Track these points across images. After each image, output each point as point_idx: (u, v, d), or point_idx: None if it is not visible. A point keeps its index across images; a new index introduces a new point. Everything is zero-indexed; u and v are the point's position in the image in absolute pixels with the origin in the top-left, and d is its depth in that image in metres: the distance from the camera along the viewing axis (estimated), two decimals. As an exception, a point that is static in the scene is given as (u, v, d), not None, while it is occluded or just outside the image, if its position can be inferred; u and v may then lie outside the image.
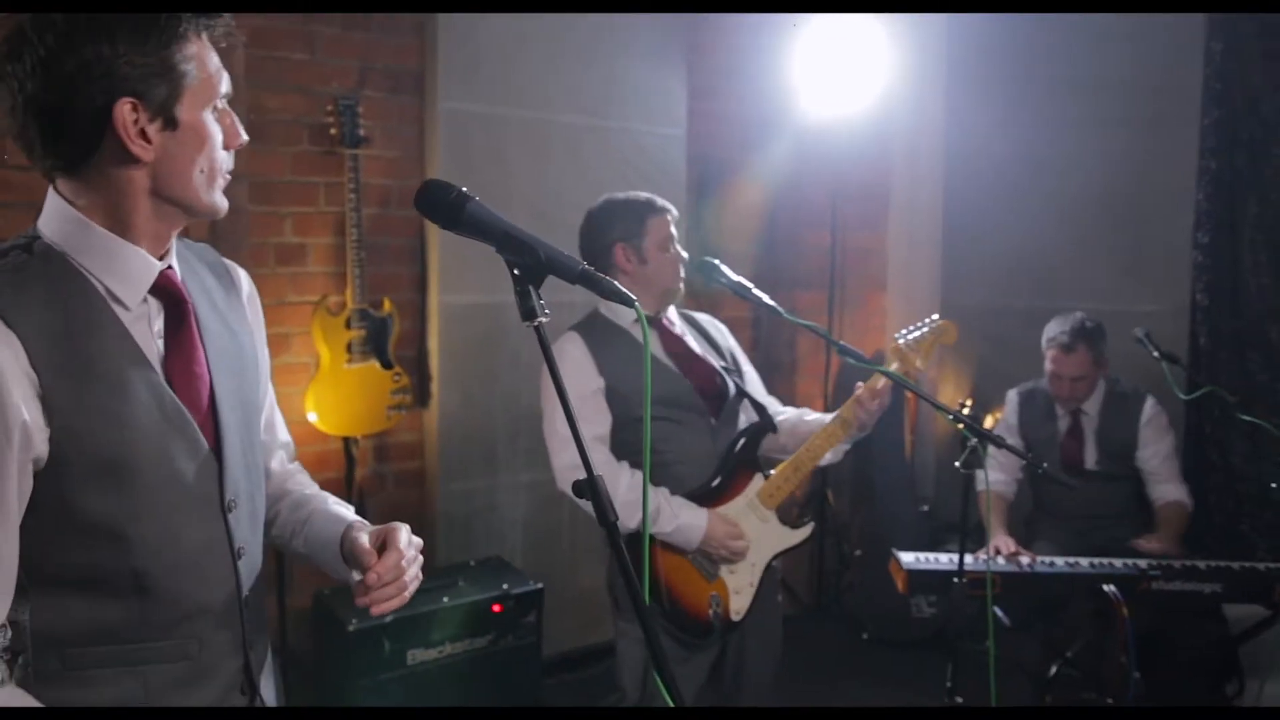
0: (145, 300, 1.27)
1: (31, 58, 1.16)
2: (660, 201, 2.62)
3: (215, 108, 1.27)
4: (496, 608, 3.15)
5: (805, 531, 2.60)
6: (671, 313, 2.67)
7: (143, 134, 1.21)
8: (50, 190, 1.26)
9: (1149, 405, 3.45)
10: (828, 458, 2.55)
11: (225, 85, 1.28)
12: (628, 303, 1.16)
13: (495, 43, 3.56)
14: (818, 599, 4.65)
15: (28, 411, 1.14)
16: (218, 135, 1.27)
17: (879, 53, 4.17)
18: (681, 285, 2.61)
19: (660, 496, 2.46)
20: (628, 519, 2.39)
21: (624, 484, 2.44)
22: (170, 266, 1.30)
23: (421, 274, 3.55)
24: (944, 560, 3.08)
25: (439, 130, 3.45)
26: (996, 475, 3.53)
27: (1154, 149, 3.94)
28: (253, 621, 1.38)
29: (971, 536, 3.40)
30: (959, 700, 2.79)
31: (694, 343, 2.66)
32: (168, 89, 1.21)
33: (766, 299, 2.39)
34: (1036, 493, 3.63)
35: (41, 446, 1.16)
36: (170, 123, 1.22)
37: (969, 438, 2.34)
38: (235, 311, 1.44)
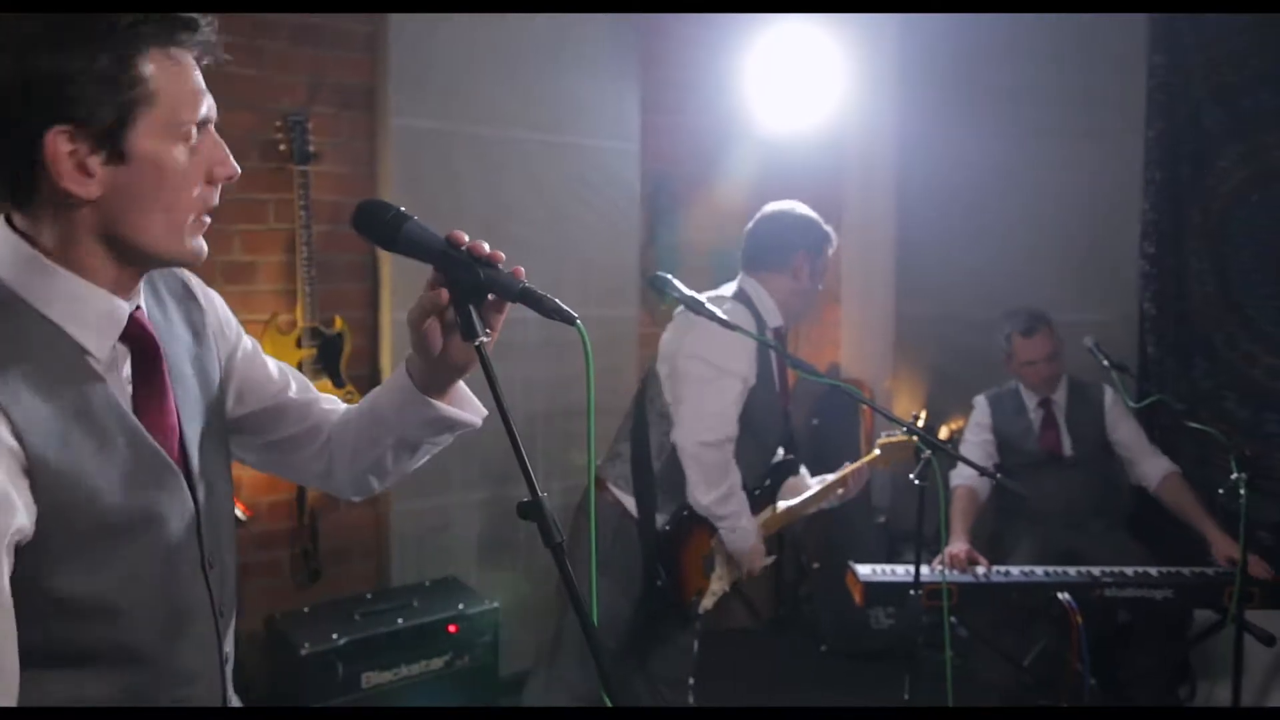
0: (114, 347, 1.14)
1: None
2: (835, 237, 2.82)
3: (187, 136, 1.09)
4: (452, 628, 3.12)
5: (770, 561, 2.83)
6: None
7: (82, 167, 1.04)
8: (0, 220, 1.10)
9: (1109, 393, 3.53)
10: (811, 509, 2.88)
11: (204, 109, 1.10)
12: (569, 320, 1.14)
13: (446, 58, 3.54)
14: (776, 611, 4.65)
15: (15, 492, 1.00)
16: (188, 169, 1.09)
17: (832, 65, 4.22)
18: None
19: (744, 499, 2.65)
20: (723, 505, 2.59)
21: (734, 476, 2.61)
22: (138, 307, 1.16)
23: (373, 291, 3.51)
24: (900, 572, 3.09)
25: (390, 146, 3.42)
26: (969, 470, 3.55)
27: (1102, 160, 4.01)
28: (233, 678, 1.32)
29: (928, 547, 3.42)
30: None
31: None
32: (115, 114, 1.03)
33: (719, 313, 2.39)
34: (1003, 498, 3.65)
35: (28, 526, 1.02)
36: (117, 155, 1.05)
37: (923, 449, 2.35)
38: (201, 335, 1.31)
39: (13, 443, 1.01)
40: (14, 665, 1.03)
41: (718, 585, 2.75)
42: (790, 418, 2.89)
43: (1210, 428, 2.99)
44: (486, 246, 1.19)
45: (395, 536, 3.57)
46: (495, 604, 3.22)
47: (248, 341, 1.43)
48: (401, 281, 3.43)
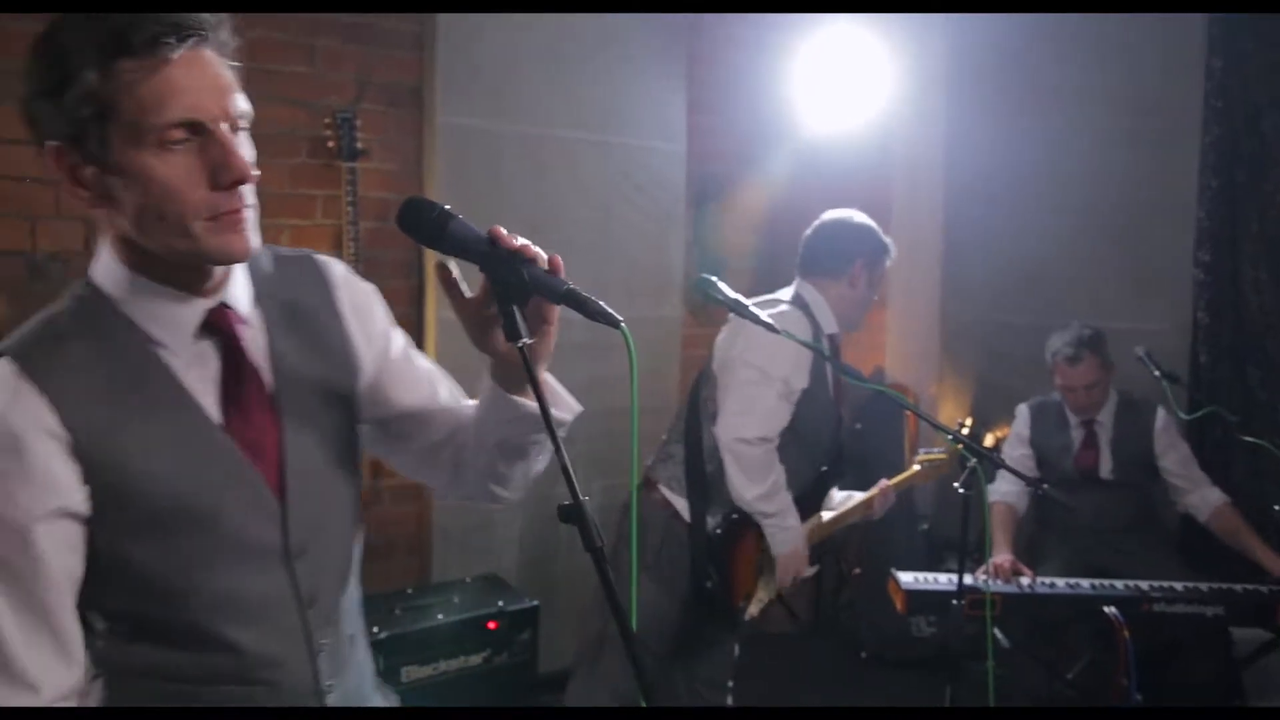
0: (198, 340, 1.18)
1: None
2: (894, 249, 2.82)
3: (165, 141, 1.06)
4: (491, 625, 3.13)
5: (813, 570, 2.83)
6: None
7: (78, 179, 1.09)
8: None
9: (1160, 414, 3.43)
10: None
11: (178, 111, 1.06)
12: (613, 323, 1.13)
13: (494, 57, 3.55)
14: (816, 617, 4.62)
15: (58, 472, 1.08)
16: (170, 175, 1.07)
17: (880, 66, 4.18)
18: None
19: (789, 499, 2.64)
20: (767, 503, 2.58)
21: (777, 473, 2.60)
22: (224, 305, 1.20)
23: (419, 288, 3.54)
24: (943, 580, 3.05)
25: (437, 144, 3.44)
26: (1008, 486, 3.50)
27: (1155, 165, 3.93)
28: (330, 665, 1.30)
29: (971, 556, 3.38)
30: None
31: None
32: (88, 128, 1.06)
33: (763, 316, 2.37)
34: (1040, 509, 3.60)
35: (80, 505, 1.10)
36: (107, 166, 1.07)
37: (968, 457, 2.32)
38: (327, 321, 1.32)
39: (59, 429, 1.08)
40: (72, 627, 1.12)
41: (764, 592, 2.75)
42: (842, 426, 2.87)
43: (1264, 440, 2.93)
44: (517, 241, 1.17)
45: (438, 533, 3.59)
46: (535, 602, 3.23)
47: (398, 343, 1.42)
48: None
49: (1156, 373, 3.20)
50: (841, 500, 2.90)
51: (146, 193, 1.07)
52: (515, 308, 1.16)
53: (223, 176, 1.09)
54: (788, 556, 2.67)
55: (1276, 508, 2.86)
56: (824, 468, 2.81)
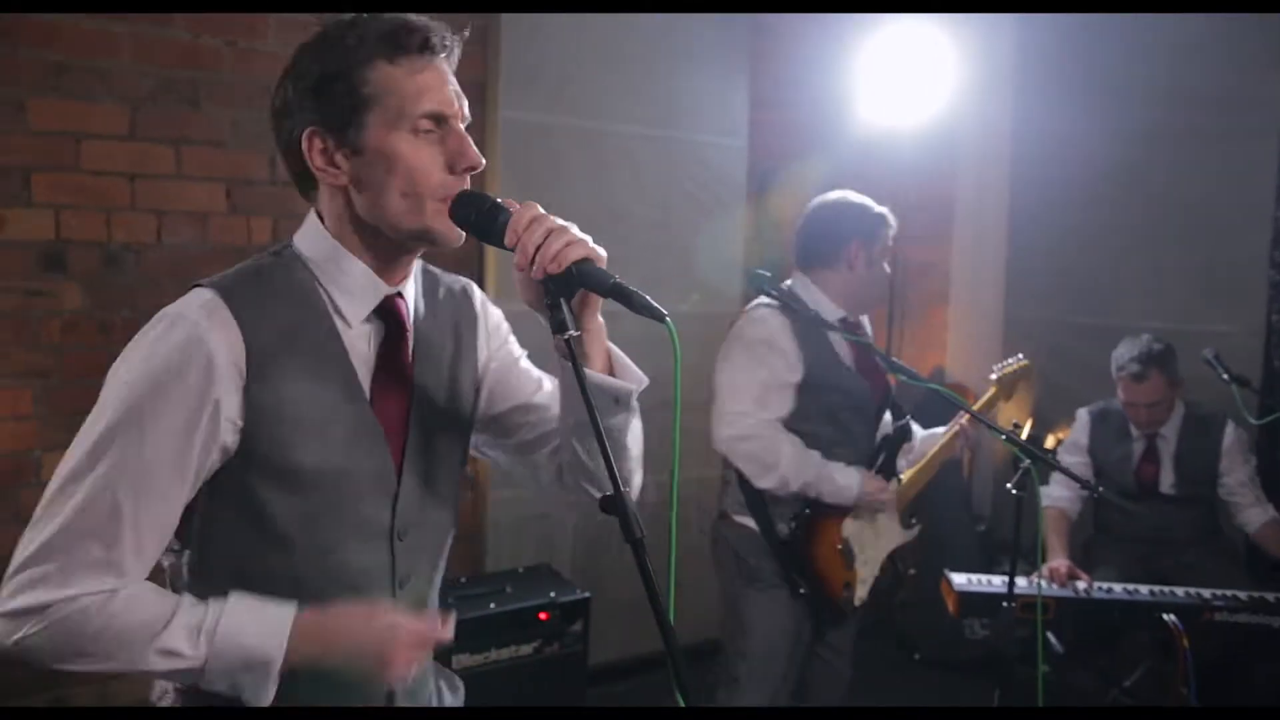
0: (368, 320, 1.30)
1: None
2: (892, 218, 2.71)
3: (417, 129, 1.22)
4: (543, 615, 3.16)
5: (915, 531, 2.82)
6: (865, 321, 2.81)
7: (332, 161, 1.24)
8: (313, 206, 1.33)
9: (1230, 429, 3.35)
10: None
11: (431, 103, 1.23)
12: (659, 317, 1.14)
13: (555, 51, 3.58)
14: (871, 617, 4.58)
15: (227, 400, 1.18)
16: (417, 157, 1.23)
17: (945, 61, 4.12)
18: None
19: (815, 461, 2.57)
20: (793, 480, 2.54)
21: (786, 453, 2.53)
22: (399, 294, 1.33)
23: (479, 280, 3.58)
24: (996, 582, 3.02)
25: (498, 138, 3.48)
26: (1060, 491, 3.44)
27: (1229, 162, 3.82)
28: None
29: (1025, 558, 3.33)
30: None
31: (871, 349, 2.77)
32: (349, 115, 1.22)
33: (814, 310, 2.37)
34: (1099, 515, 3.53)
35: (231, 437, 1.20)
36: (355, 148, 1.23)
37: (1022, 458, 2.29)
38: (465, 337, 1.44)
39: (243, 365, 1.20)
40: (155, 543, 1.20)
41: (865, 572, 2.71)
42: (887, 398, 2.78)
43: (1338, 448, 2.84)
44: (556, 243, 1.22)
45: (491, 522, 3.64)
46: (587, 594, 3.25)
47: (514, 350, 1.53)
48: (505, 271, 3.49)
49: (1225, 376, 3.13)
50: (922, 443, 2.86)
51: (392, 171, 1.22)
52: (563, 300, 1.18)
53: (459, 162, 1.25)
54: (861, 499, 2.61)
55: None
56: (883, 437, 2.75)
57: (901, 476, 2.76)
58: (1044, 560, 3.12)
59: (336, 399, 1.26)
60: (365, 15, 1.25)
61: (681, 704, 1.08)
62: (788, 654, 2.67)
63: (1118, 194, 4.10)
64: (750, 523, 2.67)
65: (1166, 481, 3.38)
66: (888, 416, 2.79)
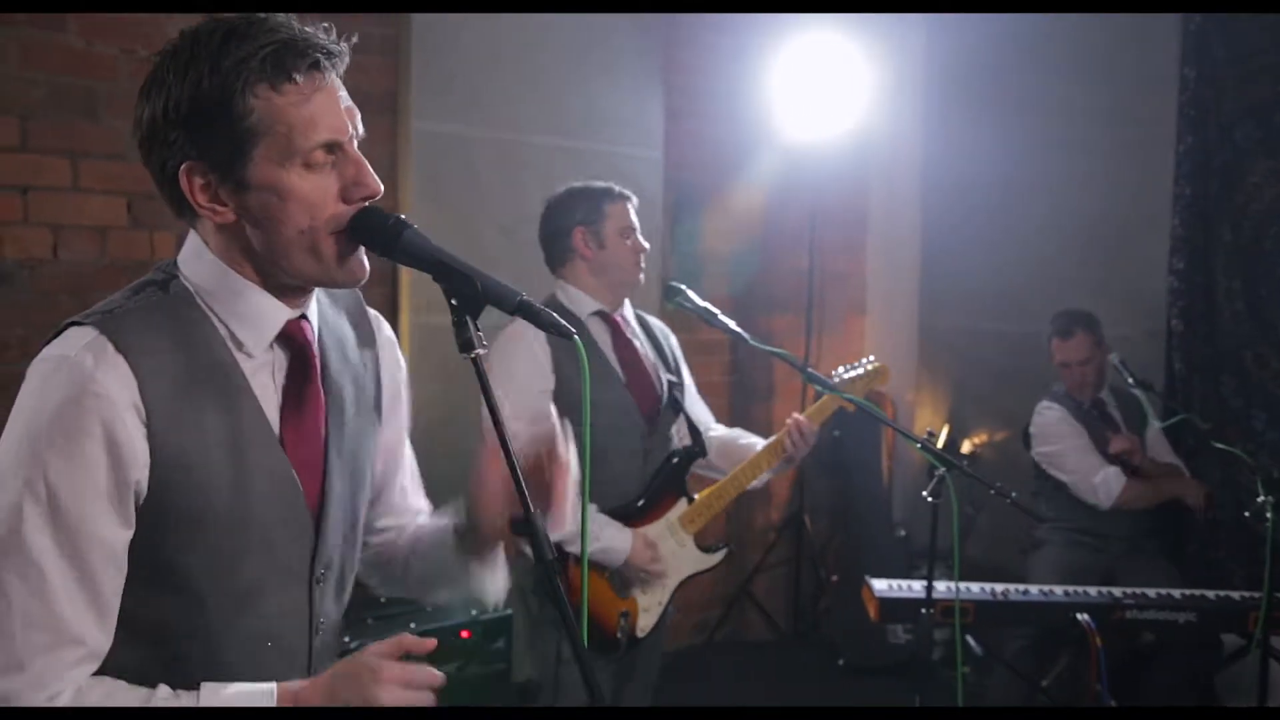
0: (271, 348, 1.20)
1: (134, 115, 1.15)
2: (620, 189, 2.58)
3: (310, 163, 1.12)
4: (465, 634, 3.11)
5: (718, 557, 2.64)
6: (627, 310, 2.65)
7: (216, 198, 1.13)
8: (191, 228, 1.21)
9: (1141, 396, 3.45)
10: (752, 484, 2.62)
11: (324, 133, 1.12)
12: (566, 335, 1.13)
13: (469, 63, 3.54)
14: (794, 624, 4.62)
15: (138, 448, 1.09)
16: (311, 193, 1.12)
17: (857, 74, 4.19)
18: (641, 278, 2.57)
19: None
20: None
21: None
22: (304, 317, 1.23)
23: (393, 295, 3.51)
24: (916, 587, 3.05)
25: (411, 151, 3.42)
26: (1100, 475, 3.46)
27: (1130, 174, 3.95)
28: None
29: (944, 562, 3.38)
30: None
31: (643, 348, 2.63)
32: (231, 150, 1.10)
33: (733, 325, 2.37)
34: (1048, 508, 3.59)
35: (142, 479, 1.10)
36: (240, 184, 1.11)
37: (937, 466, 2.31)
38: (368, 365, 1.36)
39: (141, 407, 1.09)
40: (114, 600, 1.12)
41: (648, 600, 2.54)
42: (662, 402, 2.58)
43: (1237, 448, 2.94)
44: None
45: (410, 541, 3.56)
46: (509, 610, 3.20)
47: (404, 420, 1.47)
48: (420, 287, 3.43)
49: (1131, 380, 3.23)
50: (734, 452, 2.65)
51: (284, 208, 1.12)
52: (469, 318, 1.16)
53: (355, 192, 1.15)
54: (625, 568, 2.45)
55: (1247, 514, 2.87)
56: (674, 460, 2.58)
57: (696, 496, 2.60)
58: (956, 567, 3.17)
59: (243, 441, 1.16)
60: (240, 22, 1.11)
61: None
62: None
63: (1025, 204, 4.20)
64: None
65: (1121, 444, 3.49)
66: (679, 430, 2.66)
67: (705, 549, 2.62)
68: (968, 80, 4.42)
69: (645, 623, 2.53)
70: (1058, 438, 3.54)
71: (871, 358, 2.72)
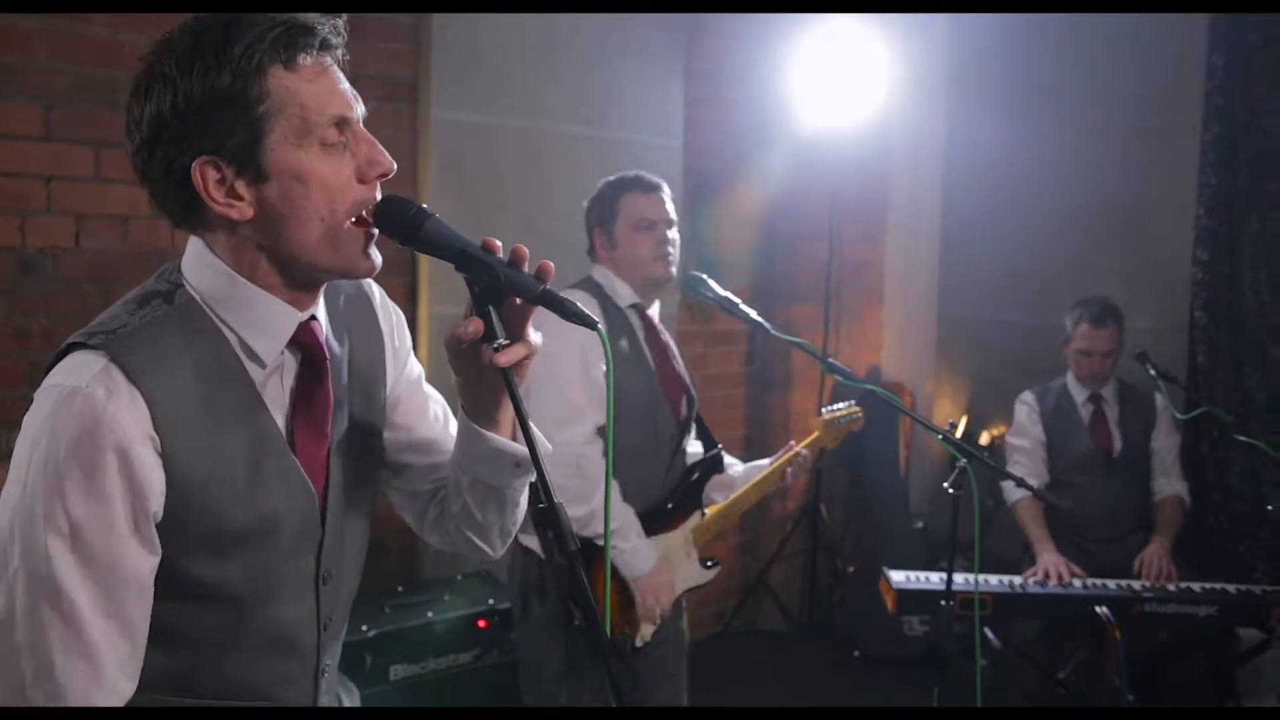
0: (282, 353, 1.18)
1: (129, 120, 1.11)
2: (646, 179, 2.57)
3: (325, 141, 1.10)
4: (482, 623, 3.12)
5: (713, 573, 2.66)
6: (655, 310, 2.64)
7: (232, 192, 1.09)
8: (192, 234, 1.17)
9: (1159, 399, 3.45)
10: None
11: (336, 108, 1.10)
12: (591, 325, 1.12)
13: (490, 51, 3.53)
14: (809, 615, 4.61)
15: (155, 478, 1.08)
16: (333, 172, 1.10)
17: (879, 63, 4.15)
18: (668, 271, 2.54)
19: (628, 514, 2.42)
20: (586, 526, 2.37)
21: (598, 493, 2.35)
22: (314, 318, 1.20)
23: (412, 285, 3.52)
24: (935, 579, 3.05)
25: (432, 139, 3.42)
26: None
27: (1154, 163, 3.91)
28: (326, 684, 1.32)
29: (964, 555, 3.37)
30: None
31: (675, 351, 2.65)
32: (245, 135, 1.07)
33: (754, 314, 2.36)
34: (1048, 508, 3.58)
35: (159, 506, 1.09)
36: (258, 173, 1.08)
37: (958, 457, 2.30)
38: (372, 352, 1.33)
39: (154, 434, 1.07)
40: (144, 633, 1.11)
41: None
42: (688, 406, 2.61)
43: (1260, 441, 2.92)
44: (498, 241, 1.16)
45: (429, 529, 3.57)
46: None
47: (414, 368, 1.43)
48: (439, 276, 3.44)
49: (1153, 372, 3.20)
50: (743, 476, 2.66)
51: (306, 193, 1.09)
52: (491, 309, 1.15)
53: (371, 170, 1.13)
54: (635, 584, 2.44)
55: (1270, 508, 2.85)
56: (694, 474, 2.61)
57: (707, 511, 2.64)
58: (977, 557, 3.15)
59: (258, 453, 1.15)
60: (232, 16, 1.09)
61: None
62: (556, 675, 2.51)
63: (1046, 194, 4.16)
64: (530, 541, 2.45)
65: (1118, 445, 3.47)
66: (695, 446, 2.68)
67: (703, 563, 2.65)
68: (991, 68, 4.38)
69: (645, 632, 2.52)
70: (1018, 432, 3.57)
71: (853, 402, 2.75)
